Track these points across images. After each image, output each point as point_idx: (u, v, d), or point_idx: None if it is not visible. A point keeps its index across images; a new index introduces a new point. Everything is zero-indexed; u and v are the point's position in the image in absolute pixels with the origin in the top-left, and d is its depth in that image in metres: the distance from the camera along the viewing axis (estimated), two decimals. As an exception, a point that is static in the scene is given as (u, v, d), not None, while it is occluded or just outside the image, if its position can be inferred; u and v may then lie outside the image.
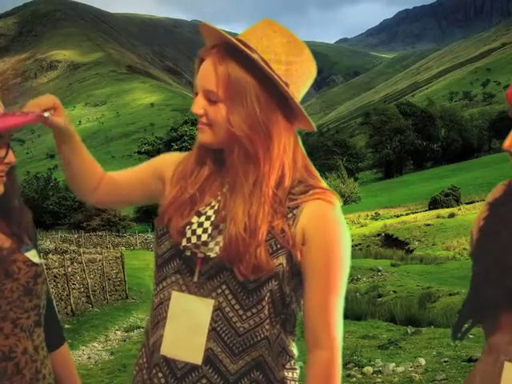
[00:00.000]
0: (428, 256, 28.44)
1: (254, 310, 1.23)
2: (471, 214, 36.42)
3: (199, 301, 1.23)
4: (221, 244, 1.22)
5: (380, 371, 6.43)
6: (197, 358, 1.23)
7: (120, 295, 17.87)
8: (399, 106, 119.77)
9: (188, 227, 1.25)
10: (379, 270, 22.35)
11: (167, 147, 72.60)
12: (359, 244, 37.97)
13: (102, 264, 17.14)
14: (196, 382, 1.23)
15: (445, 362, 6.44)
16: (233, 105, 1.21)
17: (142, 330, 12.59)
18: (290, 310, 1.27)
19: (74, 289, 14.45)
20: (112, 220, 50.13)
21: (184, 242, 1.24)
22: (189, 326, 1.24)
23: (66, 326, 12.65)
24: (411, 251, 32.51)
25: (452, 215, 38.87)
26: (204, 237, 1.23)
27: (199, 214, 1.26)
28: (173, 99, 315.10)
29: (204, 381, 1.22)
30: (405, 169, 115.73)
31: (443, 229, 35.27)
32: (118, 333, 12.93)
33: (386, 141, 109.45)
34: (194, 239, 1.23)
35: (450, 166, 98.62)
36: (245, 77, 1.20)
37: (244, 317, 1.23)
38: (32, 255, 1.40)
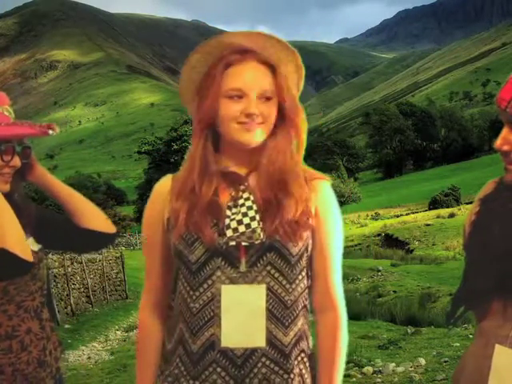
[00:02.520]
0: (428, 256, 28.42)
1: (297, 281, 1.36)
2: (471, 214, 36.41)
3: (251, 288, 1.32)
4: (263, 232, 1.33)
5: (380, 371, 6.42)
6: (260, 341, 1.32)
7: (120, 295, 17.86)
8: (399, 105, 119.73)
9: (228, 220, 1.34)
10: (379, 270, 22.36)
11: (167, 147, 72.50)
12: (359, 244, 37.95)
13: (102, 264, 17.14)
14: (257, 363, 1.32)
15: (445, 362, 6.42)
16: (283, 96, 1.37)
17: (141, 330, 12.57)
18: (310, 283, 1.41)
19: (73, 289, 14.43)
20: (112, 220, 50.07)
21: (229, 233, 1.32)
22: (246, 314, 1.31)
23: (66, 326, 12.65)
24: (411, 251, 32.49)
25: (452, 215, 38.88)
26: (254, 224, 1.33)
27: (231, 208, 1.36)
28: (173, 99, 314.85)
29: (263, 359, 1.32)
30: (405, 169, 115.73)
31: (443, 229, 35.25)
32: (118, 333, 12.92)
33: (385, 141, 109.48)
34: (241, 228, 1.33)
35: (449, 166, 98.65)
36: (286, 70, 1.38)
37: (290, 289, 1.34)
38: (31, 243, 1.54)
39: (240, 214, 1.34)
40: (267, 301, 1.32)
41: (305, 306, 1.39)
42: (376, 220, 49.77)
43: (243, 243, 1.32)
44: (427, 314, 11.93)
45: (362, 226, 46.22)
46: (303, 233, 1.35)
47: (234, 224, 1.33)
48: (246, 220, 1.33)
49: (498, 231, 1.24)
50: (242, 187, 1.37)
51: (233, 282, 1.32)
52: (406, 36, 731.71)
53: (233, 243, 1.32)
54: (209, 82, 1.36)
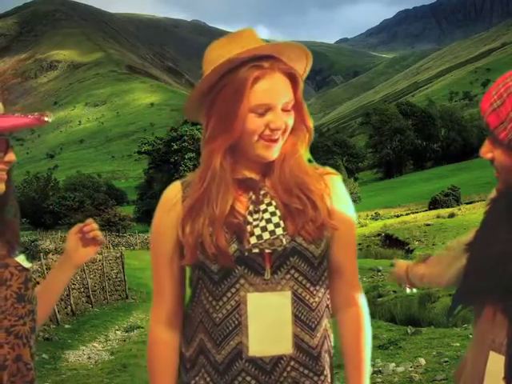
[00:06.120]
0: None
1: (320, 283, 1.35)
2: (471, 213, 36.40)
3: (277, 295, 1.29)
4: (286, 237, 1.30)
5: (380, 371, 6.42)
6: (287, 348, 1.30)
7: (120, 295, 17.86)
8: (399, 105, 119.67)
9: (250, 227, 1.31)
10: (379, 270, 22.32)
11: (167, 147, 72.56)
12: (359, 244, 37.87)
13: (102, 264, 17.13)
14: (286, 367, 1.30)
15: (445, 362, 6.42)
16: (302, 103, 1.37)
17: (142, 329, 12.56)
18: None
19: (73, 289, 14.42)
20: (112, 220, 50.14)
21: (253, 240, 1.29)
22: (272, 321, 1.29)
23: (66, 326, 12.64)
24: (411, 251, 32.45)
25: (452, 215, 38.83)
26: (278, 231, 1.30)
27: (252, 213, 1.33)
28: (173, 99, 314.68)
29: (292, 363, 1.30)
30: (405, 169, 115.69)
31: (443, 229, 35.20)
32: (118, 333, 12.91)
33: (385, 141, 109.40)
34: (266, 235, 1.30)
35: (449, 166, 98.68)
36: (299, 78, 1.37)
37: (314, 292, 1.34)
38: (21, 260, 1.40)
39: (264, 221, 1.31)
40: (292, 305, 1.30)
41: (327, 306, 1.38)
42: (376, 220, 49.72)
43: (267, 250, 1.29)
44: (427, 314, 11.92)
45: (362, 226, 46.13)
46: (325, 233, 1.33)
47: (257, 231, 1.30)
48: (271, 227, 1.30)
49: (498, 234, 1.24)
50: (262, 192, 1.34)
51: (257, 289, 1.29)
52: (406, 36, 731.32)
53: (256, 250, 1.29)
54: (233, 97, 1.29)
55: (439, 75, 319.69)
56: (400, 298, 15.71)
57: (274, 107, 1.29)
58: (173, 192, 1.40)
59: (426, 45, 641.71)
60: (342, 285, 1.40)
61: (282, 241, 1.29)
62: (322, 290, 1.35)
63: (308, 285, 1.32)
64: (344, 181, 1.29)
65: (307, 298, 1.32)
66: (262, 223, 1.30)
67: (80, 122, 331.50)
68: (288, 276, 1.30)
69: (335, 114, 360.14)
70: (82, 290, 15.22)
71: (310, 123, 1.38)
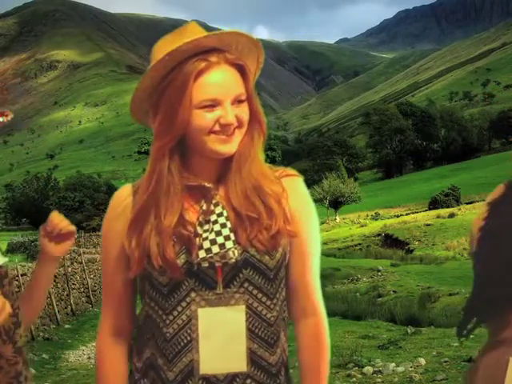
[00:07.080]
0: (428, 256, 28.43)
1: (278, 295, 1.27)
2: (471, 213, 36.40)
3: (230, 310, 1.22)
4: (238, 248, 1.22)
5: (380, 371, 6.43)
6: (241, 365, 1.23)
7: (120, 295, 17.89)
8: (399, 105, 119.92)
9: (199, 239, 1.23)
10: (379, 270, 22.38)
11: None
12: (359, 244, 37.96)
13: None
14: None
15: (445, 362, 6.43)
16: (253, 97, 1.28)
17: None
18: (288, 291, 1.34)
19: (74, 289, 14.44)
20: (112, 220, 50.12)
21: (202, 254, 1.22)
22: (225, 338, 1.22)
23: (66, 326, 12.64)
24: (411, 251, 32.49)
25: (452, 215, 38.86)
26: (229, 244, 1.22)
27: (202, 224, 1.24)
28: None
29: (248, 381, 1.23)
30: (405, 169, 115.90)
31: (443, 229, 35.24)
32: (118, 333, 12.92)
33: (386, 141, 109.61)
34: (215, 249, 1.22)
35: (449, 166, 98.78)
36: (247, 62, 1.29)
37: (271, 306, 1.25)
38: None
39: (213, 233, 1.22)
40: (247, 320, 1.23)
41: (283, 318, 1.30)
42: (376, 220, 49.80)
43: (217, 264, 1.22)
44: (427, 314, 11.93)
45: (362, 226, 46.23)
46: (281, 241, 1.24)
47: (206, 244, 1.22)
48: (220, 239, 1.22)
49: (509, 236, 1.19)
50: (214, 201, 1.25)
51: (209, 303, 1.22)
52: (406, 36, 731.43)
53: (205, 264, 1.22)
54: (176, 94, 1.22)
55: (439, 75, 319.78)
56: (400, 298, 15.74)
57: (222, 101, 1.21)
58: (122, 196, 1.32)
59: (426, 45, 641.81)
60: (299, 294, 1.32)
61: (233, 253, 1.22)
62: (279, 303, 1.28)
63: (264, 299, 1.24)
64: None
65: (264, 312, 1.24)
66: (212, 236, 1.22)
67: (80, 121, 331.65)
68: (242, 290, 1.23)
69: (335, 114, 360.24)
70: (82, 290, 15.22)
71: (263, 117, 1.29)
